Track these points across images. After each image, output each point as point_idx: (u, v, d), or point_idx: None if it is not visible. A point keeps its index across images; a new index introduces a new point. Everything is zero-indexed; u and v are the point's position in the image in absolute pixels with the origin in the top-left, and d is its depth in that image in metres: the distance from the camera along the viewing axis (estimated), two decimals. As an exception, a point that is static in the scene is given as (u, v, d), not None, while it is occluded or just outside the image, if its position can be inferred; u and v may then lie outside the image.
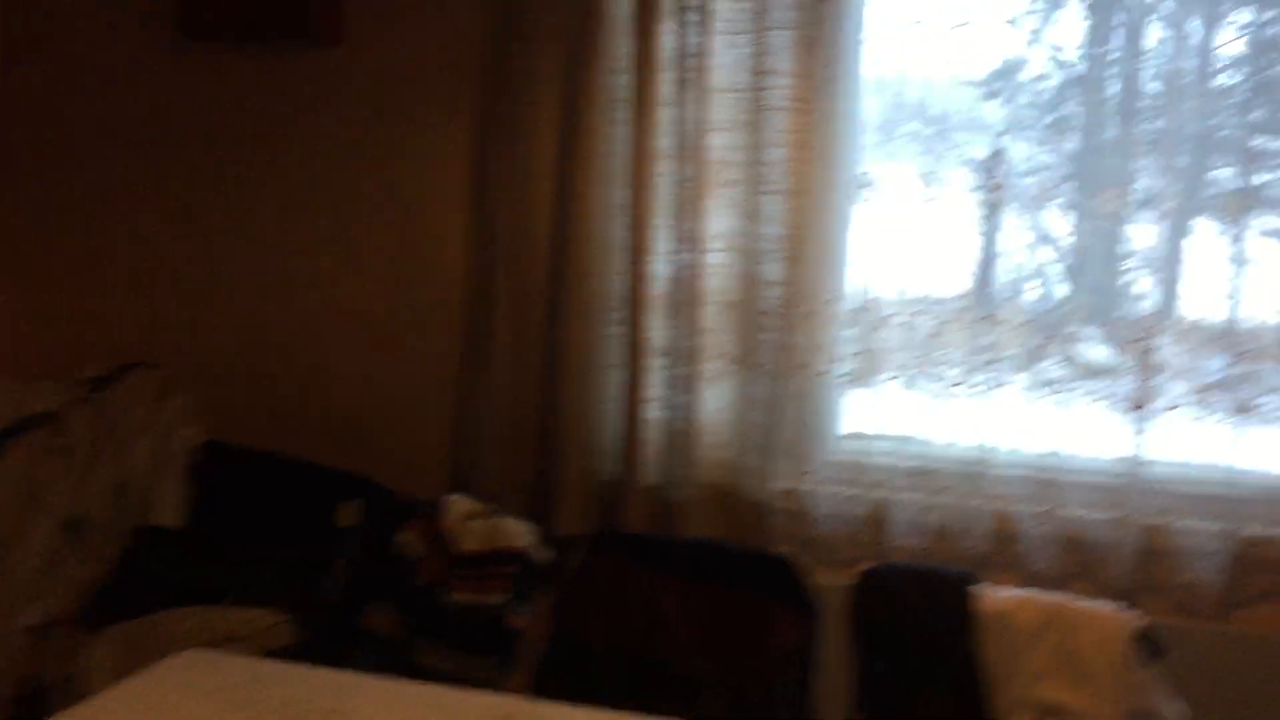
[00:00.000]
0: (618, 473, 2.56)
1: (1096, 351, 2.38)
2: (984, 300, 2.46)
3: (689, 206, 2.48)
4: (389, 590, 2.14)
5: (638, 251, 2.49)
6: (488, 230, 2.64)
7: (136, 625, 2.36)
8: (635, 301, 2.51)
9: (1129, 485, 2.35)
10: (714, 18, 2.42)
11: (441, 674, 2.09)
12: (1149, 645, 1.98)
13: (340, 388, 2.83)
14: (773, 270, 2.45)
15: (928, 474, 2.47)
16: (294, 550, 2.40)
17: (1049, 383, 2.40)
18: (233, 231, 2.85)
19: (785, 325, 2.48)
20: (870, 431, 2.57)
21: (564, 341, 2.56)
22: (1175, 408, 2.34)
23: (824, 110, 2.42)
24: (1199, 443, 2.34)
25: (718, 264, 2.50)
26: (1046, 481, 2.40)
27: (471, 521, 2.19)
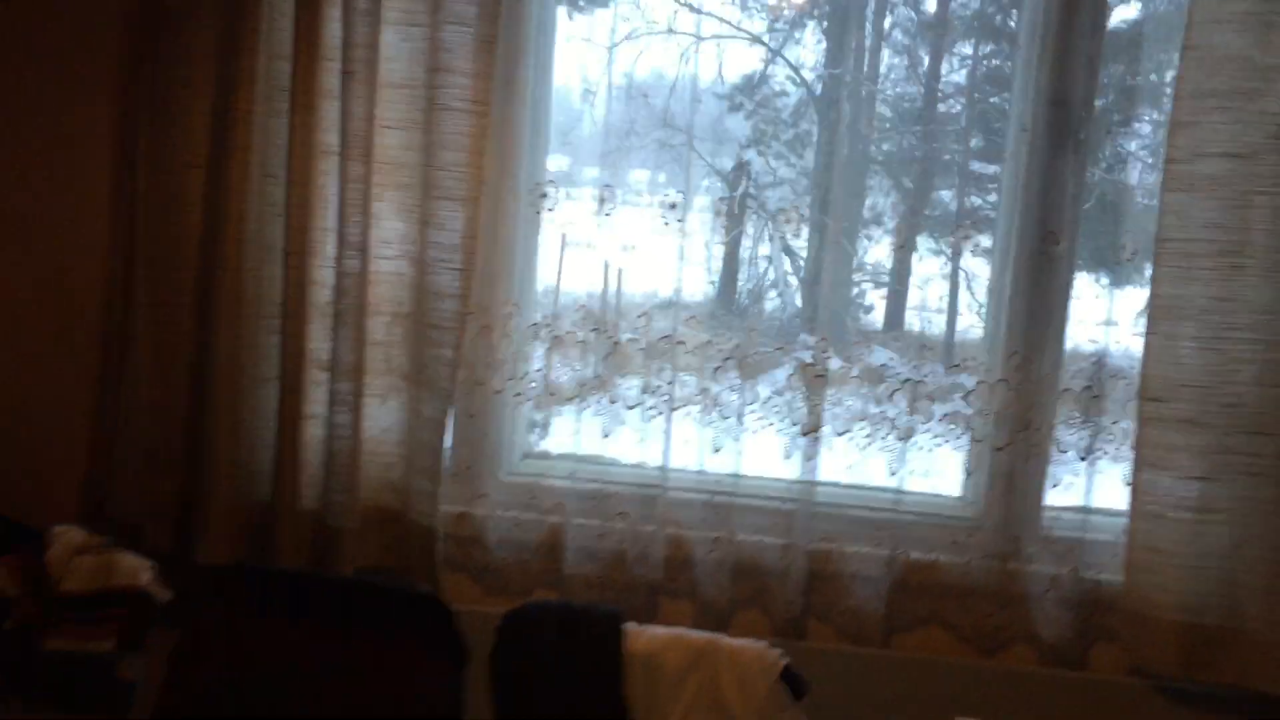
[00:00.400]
0: (272, 496, 2.34)
1: (775, 373, 2.36)
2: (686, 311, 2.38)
3: (356, 208, 2.29)
4: (-25, 638, 1.85)
5: (298, 254, 2.29)
6: (130, 225, 2.36)
7: None
8: (295, 309, 2.30)
9: (799, 510, 2.33)
10: (386, 8, 2.24)
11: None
12: (792, 684, 1.94)
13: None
14: (447, 281, 2.29)
15: (604, 498, 2.38)
16: None
17: (725, 405, 2.35)
18: None
19: (459, 340, 2.33)
20: (547, 453, 2.47)
21: (213, 351, 2.32)
22: (847, 432, 2.34)
23: (505, 114, 2.29)
24: (869, 467, 2.35)
25: (388, 272, 2.32)
26: (720, 506, 2.36)
27: (81, 556, 1.92)
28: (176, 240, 2.33)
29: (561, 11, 2.37)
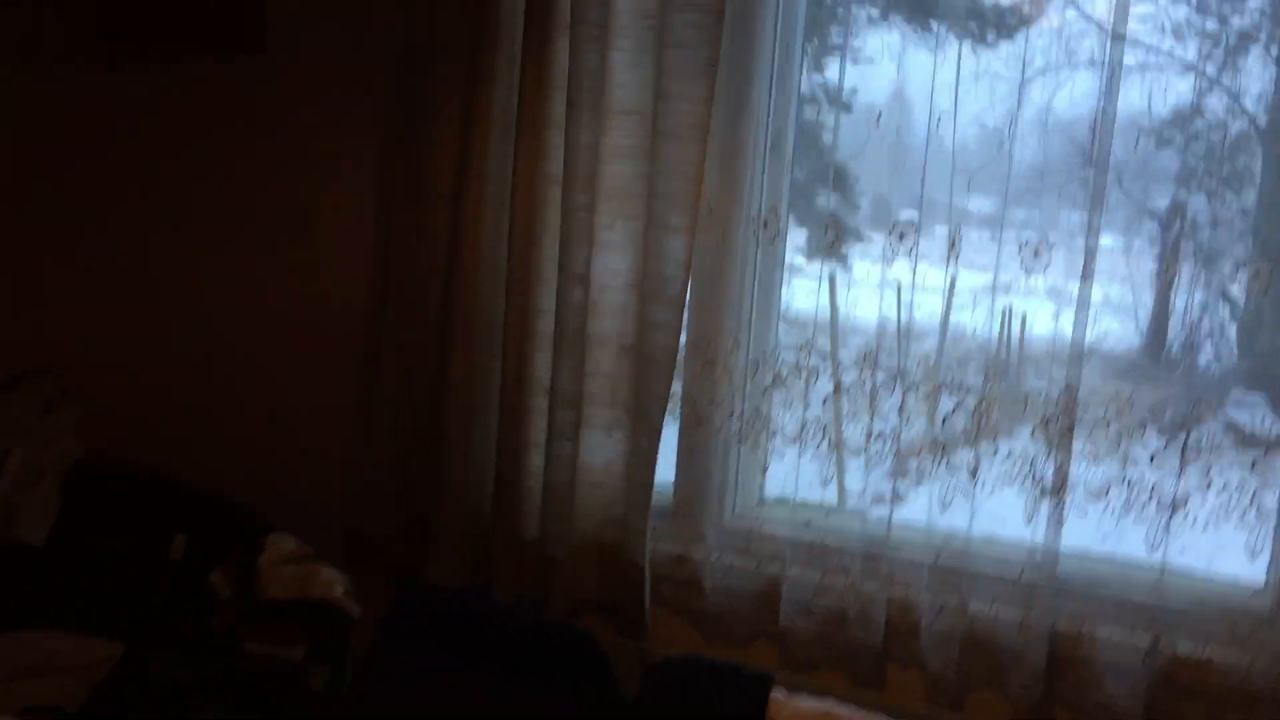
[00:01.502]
0: (493, 523, 2.36)
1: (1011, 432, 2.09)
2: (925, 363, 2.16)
3: (580, 238, 2.27)
4: (184, 633, 1.98)
5: (522, 283, 2.30)
6: (386, 256, 2.48)
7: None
8: (518, 338, 2.31)
9: (1043, 582, 2.04)
10: (612, 34, 2.21)
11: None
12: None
13: (241, 408, 2.71)
14: (666, 313, 2.22)
15: (825, 551, 2.21)
16: (137, 579, 2.26)
17: (962, 462, 2.11)
18: (151, 244, 2.75)
19: (684, 375, 2.25)
20: (769, 498, 2.33)
21: (449, 377, 2.37)
22: (1101, 497, 2.03)
23: (734, 140, 2.19)
24: (1126, 538, 2.02)
25: (610, 302, 2.28)
26: (951, 570, 2.11)
27: (285, 566, 2.01)
28: (423, 270, 2.41)
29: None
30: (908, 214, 2.11)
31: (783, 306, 2.29)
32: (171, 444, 2.69)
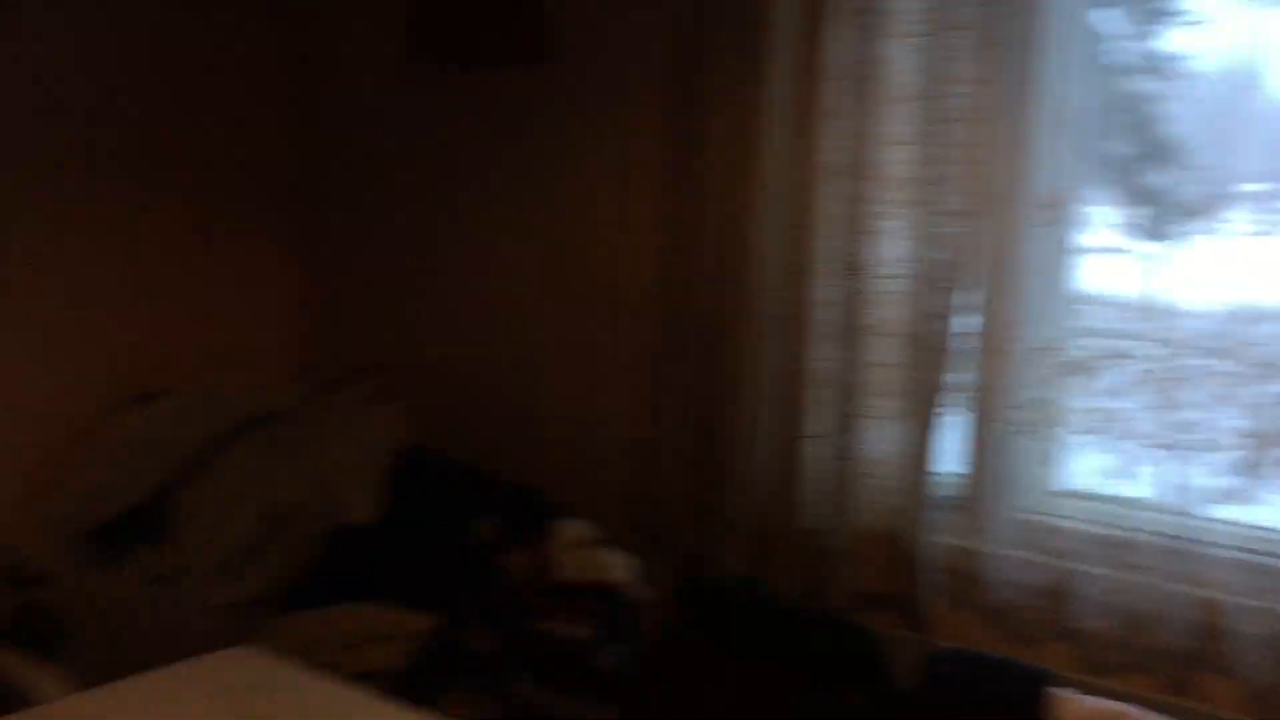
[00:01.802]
0: (773, 513, 2.39)
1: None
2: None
3: (858, 226, 2.26)
4: (489, 610, 2.13)
5: (800, 273, 2.31)
6: (670, 252, 2.56)
7: (310, 616, 2.52)
8: (797, 328, 2.33)
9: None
10: (888, 19, 2.18)
11: (534, 708, 2.05)
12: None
13: (543, 402, 2.86)
14: (947, 301, 2.17)
15: (1125, 547, 2.09)
16: (448, 559, 2.46)
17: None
18: (460, 248, 2.96)
19: (966, 364, 2.19)
20: (1061, 490, 2.22)
21: (730, 370, 2.42)
22: None
23: (1017, 122, 2.11)
24: None
25: (889, 291, 2.26)
26: (1267, 570, 1.95)
27: (574, 550, 2.13)
28: (703, 264, 2.47)
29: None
30: (1246, 187, 1.96)
31: (1083, 290, 2.17)
32: (481, 436, 2.90)
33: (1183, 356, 2.03)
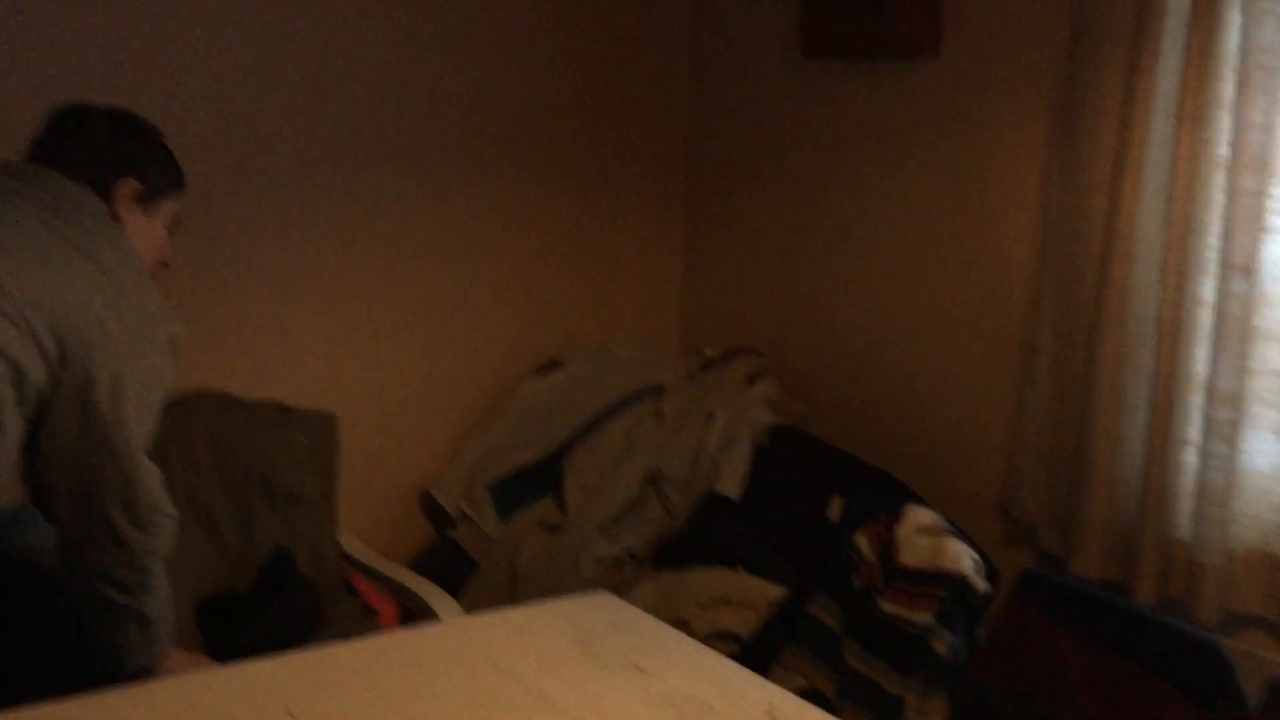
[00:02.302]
0: (1139, 520, 2.30)
1: None
2: None
3: (1245, 224, 2.12)
4: (835, 585, 2.22)
5: (1178, 273, 2.21)
6: (1045, 245, 2.52)
7: (676, 575, 2.73)
8: (1172, 330, 2.22)
9: None
10: (1292, 3, 2.03)
11: (864, 680, 2.13)
12: None
13: (910, 388, 2.90)
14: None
15: None
16: (803, 533, 2.58)
17: None
18: (837, 237, 3.06)
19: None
20: None
21: (1099, 367, 2.36)
22: None
23: None
24: None
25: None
26: None
27: (920, 536, 2.16)
28: (1077, 258, 2.41)
29: None
30: None
31: None
32: (847, 418, 2.99)
33: None
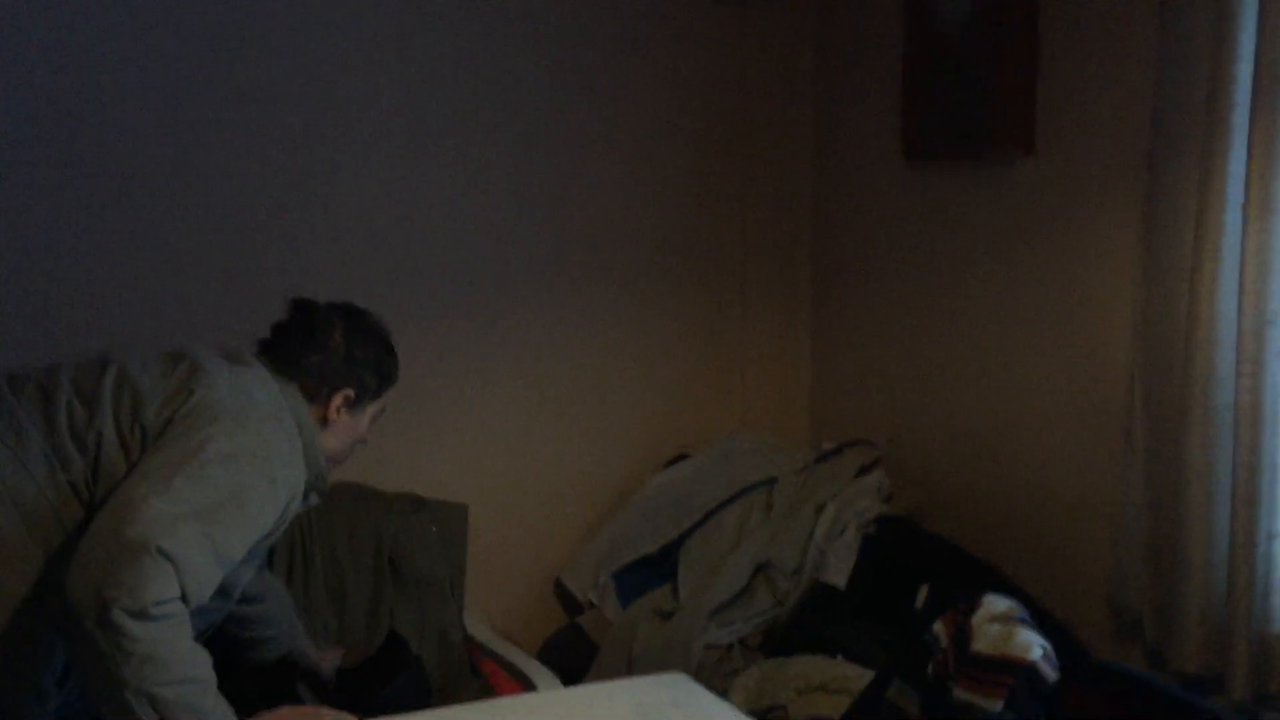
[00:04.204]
0: (1229, 612, 2.26)
1: None
2: None
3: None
4: (914, 671, 2.26)
5: (1253, 362, 2.19)
6: (1136, 335, 2.53)
7: (779, 662, 2.81)
8: (1251, 419, 2.20)
9: None
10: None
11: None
12: None
13: (1019, 481, 2.92)
14: None
15: None
16: (894, 621, 2.63)
17: None
18: (948, 330, 3.12)
19: None
20: None
21: (1187, 457, 2.34)
22: None
23: None
24: None
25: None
26: None
27: (993, 624, 2.19)
28: (1165, 348, 2.42)
29: None
30: None
31: None
32: (961, 509, 3.02)
33: None
